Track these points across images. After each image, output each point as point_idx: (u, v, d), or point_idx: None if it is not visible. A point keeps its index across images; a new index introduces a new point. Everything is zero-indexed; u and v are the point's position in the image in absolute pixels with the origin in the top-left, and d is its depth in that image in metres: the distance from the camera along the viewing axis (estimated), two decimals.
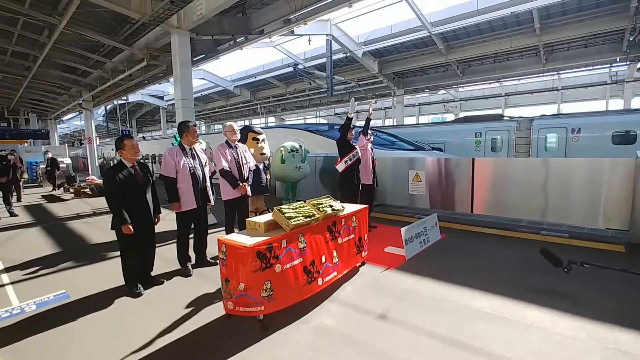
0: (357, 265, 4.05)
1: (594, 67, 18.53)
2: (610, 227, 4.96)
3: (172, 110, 28.58)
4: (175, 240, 4.28)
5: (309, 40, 14.95)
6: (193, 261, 4.39)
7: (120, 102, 25.43)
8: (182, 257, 4.24)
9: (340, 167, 5.49)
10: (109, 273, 4.24)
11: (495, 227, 5.72)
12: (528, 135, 12.14)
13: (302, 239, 3.11)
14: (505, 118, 14.56)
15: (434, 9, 22.91)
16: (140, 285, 3.67)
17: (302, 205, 3.39)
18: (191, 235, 4.34)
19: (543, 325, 2.77)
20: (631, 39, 13.58)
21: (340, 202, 3.88)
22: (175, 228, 4.27)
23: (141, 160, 3.83)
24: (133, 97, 26.31)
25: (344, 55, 17.89)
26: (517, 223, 5.82)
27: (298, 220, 3.06)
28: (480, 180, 6.07)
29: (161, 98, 29.87)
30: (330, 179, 8.16)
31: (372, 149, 5.88)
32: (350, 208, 3.95)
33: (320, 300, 3.31)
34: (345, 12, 13.48)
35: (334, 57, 16.97)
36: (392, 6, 13.62)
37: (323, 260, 3.33)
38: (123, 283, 3.73)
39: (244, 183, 4.39)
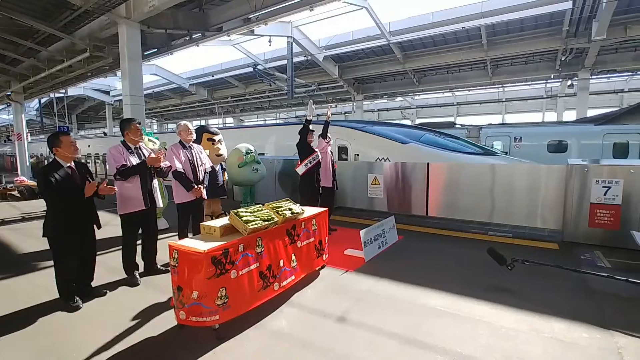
0: (317, 268, 4.03)
1: (533, 83, 20.49)
2: (547, 227, 5.44)
3: (119, 106, 26.74)
4: (121, 246, 3.94)
5: (270, 41, 14.79)
6: (141, 269, 4.07)
7: (57, 95, 23.19)
8: (129, 265, 3.91)
9: (301, 170, 5.45)
10: (40, 286, 3.80)
11: (449, 228, 6.01)
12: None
13: (260, 244, 3.01)
14: (457, 126, 15.47)
15: (393, 18, 23.83)
16: (77, 298, 3.31)
17: (260, 208, 3.30)
18: (139, 242, 4.03)
19: (490, 320, 2.93)
20: (563, 59, 15.20)
21: (300, 205, 3.83)
22: (120, 234, 3.92)
23: (81, 160, 3.49)
24: (73, 91, 24.17)
25: (305, 58, 17.95)
26: (468, 224, 6.16)
27: (256, 224, 2.97)
28: (434, 184, 6.36)
29: (107, 93, 27.79)
30: (290, 182, 8.08)
31: (331, 152, 5.92)
32: (310, 211, 3.92)
33: (279, 304, 3.23)
34: (306, 15, 13.53)
35: (295, 59, 16.96)
36: (353, 13, 13.94)
37: (281, 264, 3.26)
38: (57, 296, 3.35)
39: (199, 185, 4.18)
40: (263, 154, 9.50)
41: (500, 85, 21.47)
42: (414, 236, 5.60)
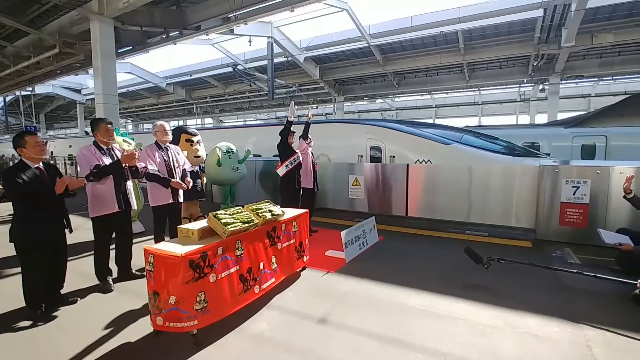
0: (298, 270, 4.00)
1: (507, 86, 21.27)
2: (520, 225, 5.63)
3: (91, 105, 25.75)
4: (93, 251, 3.77)
5: (250, 41, 14.66)
6: (115, 275, 3.92)
7: (24, 93, 22.09)
8: (101, 270, 3.75)
9: (281, 171, 5.41)
10: (5, 293, 3.59)
11: (427, 228, 6.11)
12: None
13: (240, 246, 2.96)
14: None
15: (373, 21, 24.13)
16: (45, 306, 3.15)
17: (240, 210, 3.24)
18: (113, 246, 3.87)
19: (468, 317, 3.00)
20: (535, 64, 15.87)
21: (281, 206, 3.80)
22: (92, 238, 3.75)
23: (50, 161, 3.33)
24: (42, 89, 23.06)
25: (286, 59, 17.90)
26: (446, 224, 6.29)
27: (235, 226, 2.91)
28: (414, 185, 6.47)
29: (78, 91, 26.69)
30: (271, 183, 8.01)
31: (312, 153, 5.91)
32: (290, 213, 3.89)
33: (259, 307, 3.19)
34: (287, 16, 13.49)
35: (276, 60, 16.88)
36: (333, 15, 14.02)
37: (261, 267, 3.21)
38: (23, 305, 3.17)
39: (179, 181, 4.05)
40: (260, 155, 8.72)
41: (477, 89, 22.17)
42: (394, 236, 5.67)
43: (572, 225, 5.03)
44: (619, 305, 3.17)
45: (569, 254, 4.61)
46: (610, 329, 2.77)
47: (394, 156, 7.81)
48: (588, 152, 10.66)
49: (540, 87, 18.27)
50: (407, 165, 6.55)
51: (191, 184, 4.16)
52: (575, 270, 3.58)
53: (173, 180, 3.98)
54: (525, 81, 19.12)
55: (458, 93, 24.56)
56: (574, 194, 4.98)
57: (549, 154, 8.94)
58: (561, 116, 16.84)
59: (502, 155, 7.39)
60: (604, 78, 19.01)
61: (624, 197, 4.13)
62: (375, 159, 8.77)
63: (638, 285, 2.99)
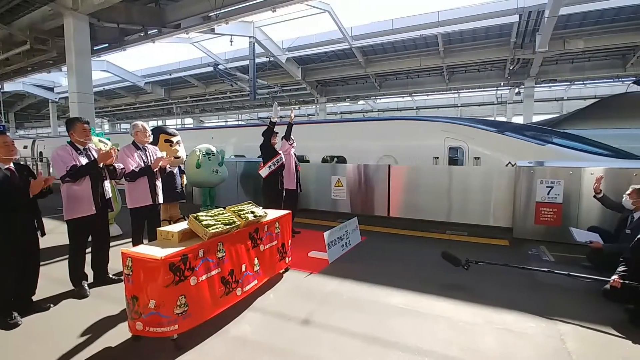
0: (281, 271, 3.98)
1: (485, 89, 21.90)
2: (498, 224, 5.80)
3: (65, 104, 24.77)
4: (67, 256, 3.62)
5: (231, 41, 14.49)
6: (91, 280, 3.78)
7: None
8: (76, 275, 3.60)
9: (264, 172, 5.37)
10: None
11: (409, 228, 6.20)
12: None
13: (221, 248, 2.91)
14: None
15: (355, 23, 24.36)
16: (15, 314, 3.00)
17: (221, 212, 3.20)
18: (88, 250, 3.73)
19: (448, 316, 3.06)
20: (511, 68, 16.40)
21: (264, 207, 3.77)
22: (67, 242, 3.61)
23: (20, 162, 3.18)
24: (11, 86, 22.02)
25: (268, 59, 17.78)
26: (427, 224, 6.39)
27: (217, 228, 2.87)
28: (395, 186, 6.56)
29: (51, 89, 25.64)
30: (253, 185, 7.93)
31: (294, 154, 5.90)
32: (273, 214, 3.87)
33: (241, 309, 3.15)
34: (269, 16, 13.43)
35: (257, 60, 16.74)
36: (316, 16, 14.05)
37: (243, 269, 3.17)
38: None
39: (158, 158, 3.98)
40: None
41: (456, 91, 22.71)
42: (377, 237, 5.72)
43: (546, 223, 5.22)
44: (590, 300, 3.31)
45: (544, 252, 4.78)
46: (583, 323, 2.89)
47: (478, 158, 7.18)
48: None
49: (517, 90, 18.90)
50: (389, 166, 6.64)
51: (171, 158, 4.10)
52: (546, 269, 3.69)
53: (153, 163, 3.90)
54: (502, 84, 19.74)
55: (438, 95, 25.10)
56: (548, 193, 5.18)
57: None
58: (536, 119, 17.48)
59: (600, 156, 6.68)
60: (575, 82, 19.87)
61: (594, 196, 4.33)
62: (454, 161, 7.97)
63: (611, 281, 3.12)
